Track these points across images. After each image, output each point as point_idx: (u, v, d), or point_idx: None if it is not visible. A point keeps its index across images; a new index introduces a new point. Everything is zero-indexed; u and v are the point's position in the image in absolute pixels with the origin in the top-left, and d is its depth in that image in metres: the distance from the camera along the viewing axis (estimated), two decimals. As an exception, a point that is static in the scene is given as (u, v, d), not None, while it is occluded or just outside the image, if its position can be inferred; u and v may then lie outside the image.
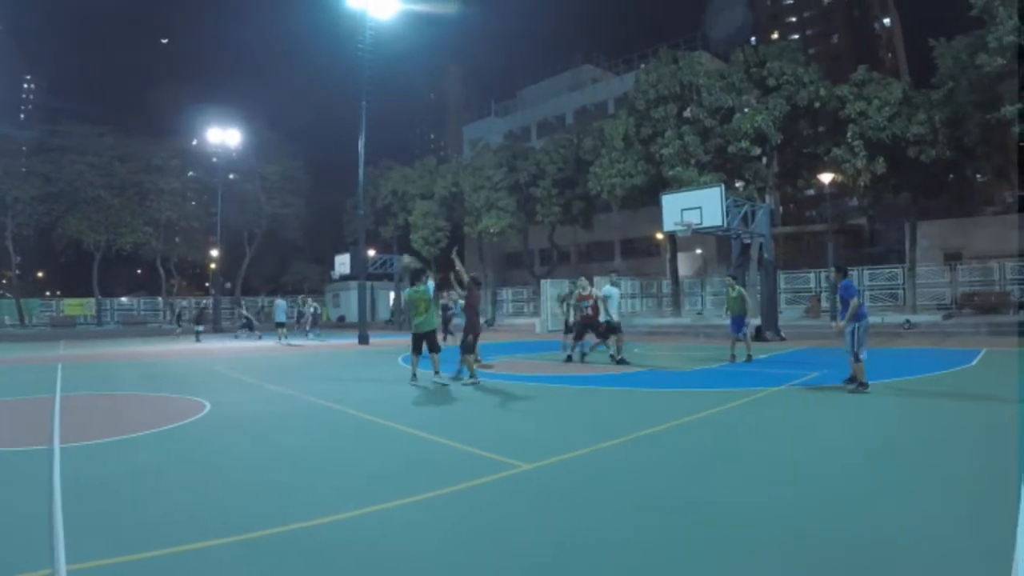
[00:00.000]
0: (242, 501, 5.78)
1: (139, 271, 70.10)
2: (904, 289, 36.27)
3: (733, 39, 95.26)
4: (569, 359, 18.16)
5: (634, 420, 9.44)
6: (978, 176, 37.35)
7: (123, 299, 60.16)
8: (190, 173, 58.56)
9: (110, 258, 55.85)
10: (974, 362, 15.90)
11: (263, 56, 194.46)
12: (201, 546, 4.59)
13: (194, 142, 60.48)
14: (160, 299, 59.21)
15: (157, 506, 5.64)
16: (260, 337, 36.30)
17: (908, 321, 27.61)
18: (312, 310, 40.33)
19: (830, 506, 5.35)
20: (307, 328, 38.56)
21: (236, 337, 37.59)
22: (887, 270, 37.59)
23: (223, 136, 52.09)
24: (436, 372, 13.78)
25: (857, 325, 11.47)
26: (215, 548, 4.57)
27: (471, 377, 13.67)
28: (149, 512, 5.48)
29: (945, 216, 39.83)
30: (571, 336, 18.85)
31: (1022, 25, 26.63)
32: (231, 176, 58.15)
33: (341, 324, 47.72)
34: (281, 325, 33.91)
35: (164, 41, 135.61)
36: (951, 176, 35.05)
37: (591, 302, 17.67)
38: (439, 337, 14.95)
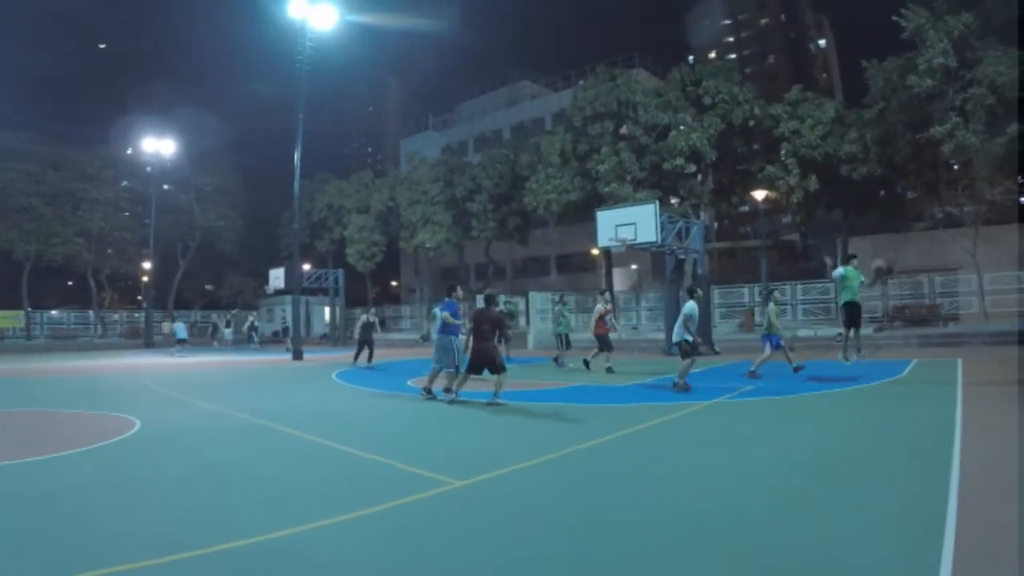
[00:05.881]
0: (173, 520, 5.60)
1: (70, 283, 67.88)
2: (836, 303, 36.28)
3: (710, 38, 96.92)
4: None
5: (568, 435, 9.26)
6: (908, 193, 37.74)
7: (53, 312, 57.39)
8: (124, 183, 56.44)
9: (40, 270, 53.41)
10: (904, 373, 16.07)
11: (199, 65, 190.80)
12: (132, 567, 4.44)
13: (128, 151, 58.08)
14: (91, 312, 56.95)
15: (86, 526, 5.49)
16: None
17: (840, 334, 27.52)
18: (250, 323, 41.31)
19: (768, 517, 5.39)
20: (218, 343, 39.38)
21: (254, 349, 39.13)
22: (820, 284, 37.49)
23: (158, 145, 50.60)
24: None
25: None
26: (146, 569, 4.43)
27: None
28: (78, 533, 5.32)
29: (876, 231, 40.01)
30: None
31: (951, 48, 26.98)
32: (165, 187, 56.46)
33: (276, 339, 46.72)
34: (182, 342, 35.64)
35: (102, 46, 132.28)
36: (882, 193, 35.59)
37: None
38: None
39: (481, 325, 12.73)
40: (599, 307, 19.38)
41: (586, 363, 18.93)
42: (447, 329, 13.53)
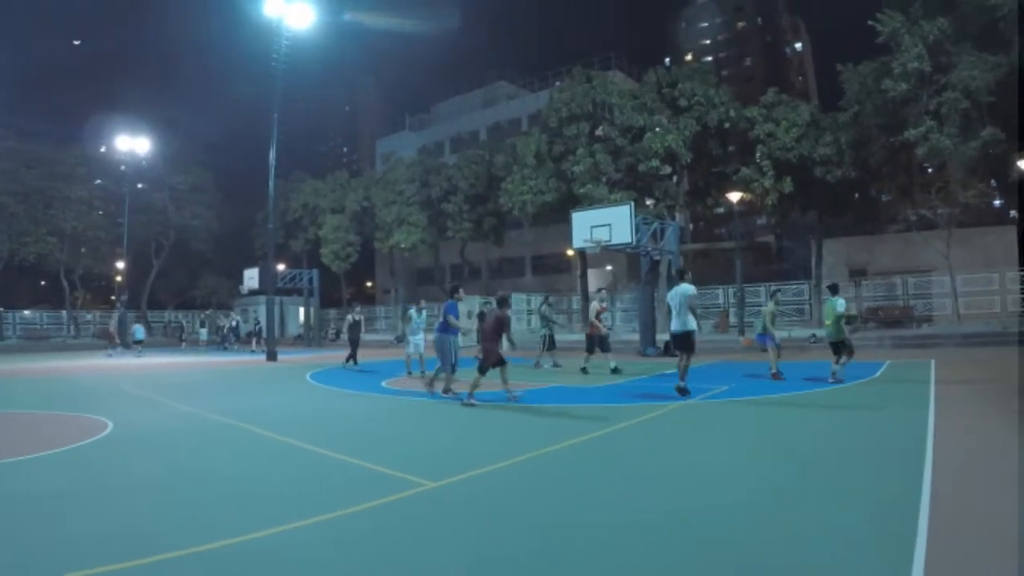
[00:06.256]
0: (147, 522, 5.53)
1: (43, 283, 66.87)
2: (811, 304, 36.47)
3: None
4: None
5: (542, 436, 9.15)
6: (882, 195, 37.84)
7: (26, 312, 56.35)
8: (97, 181, 55.58)
9: (12, 269, 52.36)
10: (877, 374, 16.06)
11: (175, 64, 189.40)
12: (104, 570, 4.38)
13: (102, 149, 57.27)
14: (64, 312, 55.93)
15: (57, 530, 5.32)
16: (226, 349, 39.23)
17: (814, 335, 27.50)
18: (233, 323, 41.50)
19: (743, 518, 5.33)
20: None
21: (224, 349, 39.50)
22: (794, 286, 37.64)
23: (132, 143, 49.75)
24: None
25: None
26: (119, 572, 4.37)
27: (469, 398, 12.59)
28: (49, 536, 5.16)
29: (850, 233, 40.18)
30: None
31: (926, 53, 27.07)
32: (139, 185, 55.72)
33: (246, 340, 45.86)
34: (139, 343, 36.17)
35: (77, 43, 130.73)
36: (856, 195, 35.59)
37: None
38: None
39: (486, 325, 12.90)
40: (595, 304, 19.04)
41: (615, 370, 18.07)
42: (446, 329, 13.78)
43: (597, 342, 18.50)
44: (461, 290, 14.50)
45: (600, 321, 18.62)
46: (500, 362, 12.62)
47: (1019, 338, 23.28)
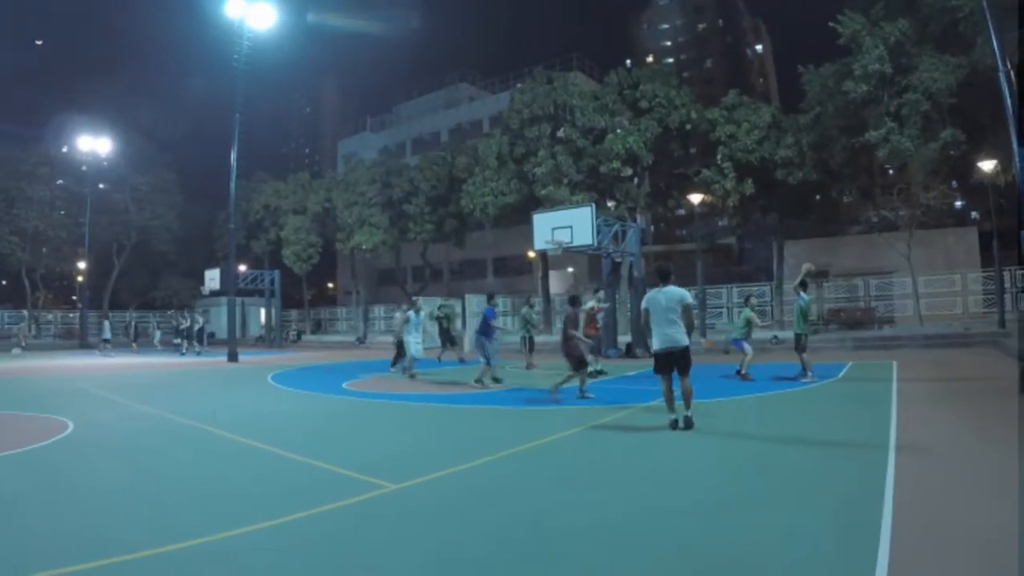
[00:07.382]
0: (105, 525, 5.41)
1: (3, 283, 65.75)
2: (772, 306, 36.06)
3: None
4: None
5: (504, 438, 9.16)
6: (843, 197, 37.49)
7: None
8: (59, 181, 54.05)
9: (-28, 269, 51.85)
10: (840, 375, 16.03)
11: (137, 63, 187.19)
12: (69, 570, 4.29)
13: (64, 149, 56.03)
14: (25, 312, 54.87)
15: (15, 532, 5.20)
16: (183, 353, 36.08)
17: (776, 337, 27.01)
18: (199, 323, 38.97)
19: (702, 518, 5.27)
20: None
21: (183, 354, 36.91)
22: (755, 287, 37.23)
23: (94, 143, 49.23)
24: None
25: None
26: (83, 572, 4.27)
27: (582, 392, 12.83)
28: (12, 537, 5.05)
29: (812, 235, 40.03)
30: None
31: (887, 54, 26.75)
32: (101, 185, 54.62)
33: (211, 341, 44.78)
34: (107, 341, 35.99)
35: (39, 42, 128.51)
36: (817, 197, 35.50)
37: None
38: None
39: (565, 324, 13.09)
40: (592, 303, 18.13)
41: (599, 372, 17.32)
42: (486, 332, 15.53)
43: (596, 343, 17.80)
44: (496, 297, 15.84)
45: (596, 322, 17.76)
46: (581, 363, 12.78)
47: (981, 339, 23.42)
